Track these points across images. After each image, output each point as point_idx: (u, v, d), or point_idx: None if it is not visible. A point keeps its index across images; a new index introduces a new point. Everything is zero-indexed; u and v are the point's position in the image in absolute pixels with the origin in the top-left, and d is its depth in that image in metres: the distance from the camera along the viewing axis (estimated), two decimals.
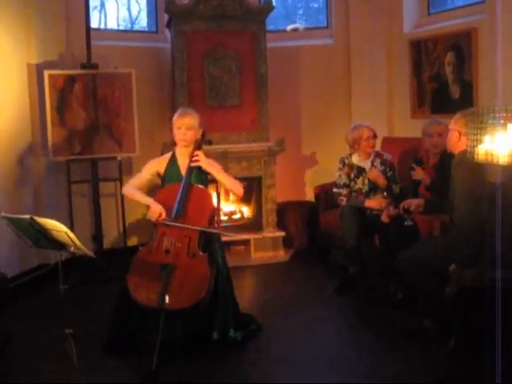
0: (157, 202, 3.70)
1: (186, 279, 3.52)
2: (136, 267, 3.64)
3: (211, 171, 3.84)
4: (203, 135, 3.96)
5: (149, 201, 3.76)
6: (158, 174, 3.96)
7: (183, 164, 3.87)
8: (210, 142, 4.07)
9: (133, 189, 3.91)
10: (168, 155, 3.98)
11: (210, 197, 3.82)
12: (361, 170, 5.07)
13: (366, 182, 5.04)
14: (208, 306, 3.65)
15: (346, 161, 5.14)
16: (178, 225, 3.62)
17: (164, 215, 3.66)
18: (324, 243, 5.78)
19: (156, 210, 3.66)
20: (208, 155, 3.98)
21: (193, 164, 3.79)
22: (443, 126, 4.57)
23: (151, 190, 4.11)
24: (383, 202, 4.89)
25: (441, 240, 3.97)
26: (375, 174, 4.97)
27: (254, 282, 5.57)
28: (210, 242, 3.80)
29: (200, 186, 3.81)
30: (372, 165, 5.04)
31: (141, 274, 3.58)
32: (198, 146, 3.89)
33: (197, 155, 3.80)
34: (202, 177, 3.87)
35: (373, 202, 4.94)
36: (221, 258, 3.85)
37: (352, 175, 5.10)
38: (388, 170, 5.03)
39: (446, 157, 4.52)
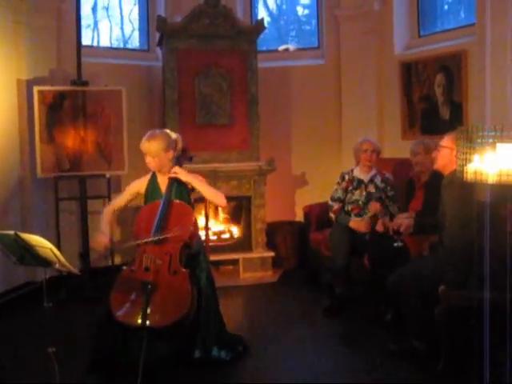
0: (103, 235, 3.77)
1: (167, 296, 3.48)
2: (118, 286, 3.61)
3: (191, 182, 3.82)
4: (184, 151, 3.94)
5: (101, 231, 3.82)
6: (141, 195, 3.95)
7: (163, 183, 3.86)
8: (190, 159, 4.04)
9: (106, 213, 3.95)
10: (148, 175, 3.96)
11: (190, 211, 3.78)
12: (360, 183, 5.07)
13: (364, 193, 5.04)
14: (191, 324, 3.60)
15: (347, 176, 5.14)
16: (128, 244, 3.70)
17: (108, 246, 3.78)
18: (313, 263, 5.75)
19: (98, 241, 3.77)
20: (192, 172, 3.97)
21: (171, 175, 3.77)
22: (429, 144, 4.66)
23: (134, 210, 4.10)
24: (367, 226, 4.88)
25: (430, 260, 3.95)
26: (376, 207, 4.95)
27: (243, 302, 5.51)
28: (194, 260, 3.77)
29: (180, 201, 3.78)
30: (372, 180, 5.04)
31: (123, 293, 3.55)
32: (177, 163, 3.87)
33: (175, 170, 3.79)
34: (182, 193, 3.84)
35: (357, 224, 4.92)
36: (205, 276, 3.79)
37: (351, 187, 5.10)
38: (389, 189, 5.03)
39: (436, 176, 4.54)
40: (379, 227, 4.73)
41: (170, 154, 3.81)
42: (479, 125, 2.60)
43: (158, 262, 3.58)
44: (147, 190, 3.92)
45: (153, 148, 3.74)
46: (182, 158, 3.93)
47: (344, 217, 5.04)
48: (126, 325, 3.46)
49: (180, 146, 3.91)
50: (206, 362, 3.68)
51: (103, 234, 3.78)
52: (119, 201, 4.00)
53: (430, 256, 4.15)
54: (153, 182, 3.92)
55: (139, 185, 3.96)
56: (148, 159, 3.80)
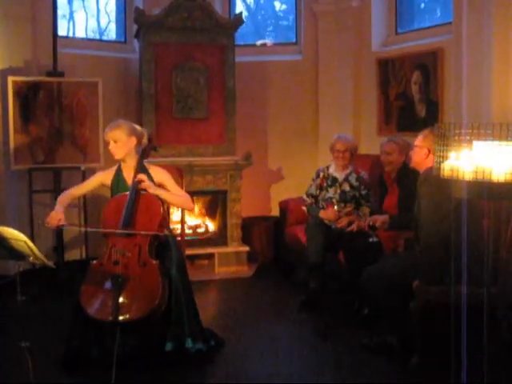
0: (59, 211, 3.70)
1: (138, 289, 3.47)
2: (88, 281, 3.59)
3: (158, 194, 3.78)
4: (149, 141, 3.93)
5: (55, 209, 3.75)
6: (106, 187, 3.94)
7: (128, 175, 3.84)
8: (155, 149, 4.04)
9: (63, 197, 3.91)
10: (114, 168, 3.95)
11: (158, 203, 3.76)
12: (334, 180, 5.08)
13: (338, 191, 5.05)
14: (163, 316, 3.60)
15: (321, 173, 5.15)
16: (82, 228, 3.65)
17: (62, 221, 3.65)
18: (288, 258, 5.77)
19: (54, 216, 3.65)
20: (159, 165, 4.01)
21: (140, 186, 3.72)
22: (402, 144, 4.74)
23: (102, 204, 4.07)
24: (335, 214, 4.90)
25: (406, 256, 3.99)
26: (328, 213, 4.98)
27: (217, 296, 5.51)
28: (164, 251, 3.76)
29: (148, 193, 3.76)
30: (347, 178, 5.05)
31: (93, 288, 3.53)
32: (142, 153, 3.86)
33: (140, 179, 3.72)
34: None
35: (326, 214, 4.95)
36: (176, 267, 3.74)
37: (325, 184, 5.11)
38: (363, 187, 5.04)
39: (404, 171, 4.61)
40: (353, 227, 4.73)
41: (133, 140, 3.80)
42: (456, 122, 2.62)
43: (128, 254, 3.57)
44: (113, 183, 3.90)
45: (115, 132, 3.76)
46: (147, 149, 3.92)
47: (314, 208, 5.07)
48: (97, 320, 3.43)
49: (145, 140, 3.90)
50: (180, 356, 3.67)
51: (57, 211, 3.71)
52: (81, 187, 4.01)
53: (405, 252, 4.19)
54: (118, 175, 3.90)
55: (105, 177, 3.94)
56: (111, 145, 3.79)
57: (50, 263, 3.19)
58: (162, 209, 3.77)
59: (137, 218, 3.67)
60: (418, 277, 3.57)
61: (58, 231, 5.33)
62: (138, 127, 3.90)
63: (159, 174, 3.90)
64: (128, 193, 3.73)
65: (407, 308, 3.56)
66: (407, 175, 4.59)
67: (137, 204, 3.70)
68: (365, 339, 3.94)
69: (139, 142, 3.85)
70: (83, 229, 3.73)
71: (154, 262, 3.59)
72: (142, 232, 3.61)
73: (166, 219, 3.94)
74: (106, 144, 3.85)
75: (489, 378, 2.70)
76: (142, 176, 3.74)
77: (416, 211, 3.72)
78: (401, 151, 4.74)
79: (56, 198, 5.35)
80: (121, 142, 3.76)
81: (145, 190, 3.74)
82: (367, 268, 3.90)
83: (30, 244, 2.99)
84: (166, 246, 3.81)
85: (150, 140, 3.96)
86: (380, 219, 4.22)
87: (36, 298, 4.77)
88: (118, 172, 3.91)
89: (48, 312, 4.62)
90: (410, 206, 3.91)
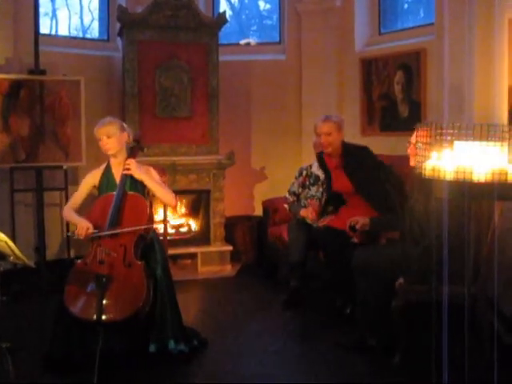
0: (83, 219, 3.65)
1: (122, 289, 3.46)
2: (72, 281, 3.56)
3: (142, 179, 3.80)
4: (138, 142, 3.94)
5: (77, 220, 3.69)
6: (95, 186, 3.92)
7: (117, 173, 3.84)
8: (141, 149, 4.04)
9: (69, 211, 3.85)
10: (103, 166, 3.94)
11: (144, 203, 3.77)
12: (317, 179, 5.09)
13: (320, 189, 5.06)
14: (147, 317, 3.58)
15: (304, 172, 5.17)
16: (107, 233, 3.60)
17: (91, 229, 3.60)
18: (271, 258, 5.77)
19: (83, 226, 3.60)
20: (146, 164, 3.99)
21: (124, 172, 3.77)
22: (340, 121, 4.57)
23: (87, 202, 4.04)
24: (315, 214, 4.87)
25: (391, 252, 3.93)
26: (305, 212, 4.97)
27: (200, 296, 5.49)
28: (149, 252, 3.75)
29: (134, 193, 3.77)
30: None
31: (77, 287, 3.51)
32: (130, 153, 3.88)
33: (128, 164, 3.77)
34: (137, 184, 3.83)
35: (305, 212, 4.93)
36: (161, 268, 3.74)
37: (307, 182, 5.12)
38: None
39: (346, 154, 4.50)
40: (319, 222, 4.67)
41: (125, 135, 3.84)
42: (437, 122, 2.63)
43: (113, 254, 3.55)
44: (101, 181, 3.89)
45: (108, 127, 3.77)
46: (135, 149, 3.93)
47: (296, 206, 5.08)
48: (81, 320, 3.41)
49: (131, 138, 3.92)
50: (164, 357, 3.65)
51: (80, 221, 3.66)
52: (77, 198, 3.94)
53: (390, 248, 4.15)
54: (107, 173, 3.89)
55: (93, 177, 3.92)
56: (104, 141, 3.78)
57: (31, 263, 3.17)
58: (148, 209, 3.76)
59: (123, 217, 3.66)
60: (402, 275, 3.56)
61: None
62: (124, 124, 3.94)
63: (147, 170, 3.92)
64: (115, 192, 3.72)
65: (389, 306, 3.56)
66: (351, 156, 4.49)
67: (124, 203, 3.69)
68: (345, 339, 3.93)
69: (128, 139, 3.88)
70: (105, 233, 3.66)
71: (139, 262, 3.58)
72: (142, 227, 3.63)
73: (151, 219, 3.93)
74: (97, 141, 3.82)
75: (470, 377, 2.71)
76: (129, 160, 3.78)
77: (411, 210, 3.68)
78: (338, 128, 4.52)
79: (37, 198, 5.40)
80: (115, 136, 3.78)
81: (132, 174, 3.76)
82: (357, 253, 3.89)
83: (11, 244, 2.97)
84: (150, 247, 3.80)
85: (138, 140, 3.96)
86: (361, 221, 4.22)
87: (17, 298, 4.73)
88: (107, 169, 3.90)
89: (29, 312, 4.58)
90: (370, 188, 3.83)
